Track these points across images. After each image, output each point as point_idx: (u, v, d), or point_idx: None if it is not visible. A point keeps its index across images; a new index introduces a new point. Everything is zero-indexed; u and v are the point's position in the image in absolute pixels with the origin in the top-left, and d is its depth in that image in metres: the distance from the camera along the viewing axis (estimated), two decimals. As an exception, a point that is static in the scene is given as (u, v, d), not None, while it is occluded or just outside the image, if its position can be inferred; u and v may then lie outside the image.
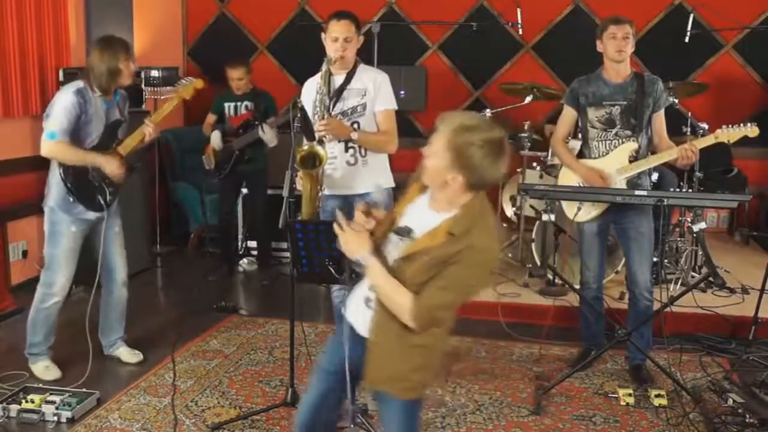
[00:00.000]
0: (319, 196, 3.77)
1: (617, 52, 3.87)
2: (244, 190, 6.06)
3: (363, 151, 3.82)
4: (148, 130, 4.06)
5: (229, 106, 5.77)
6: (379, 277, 2.28)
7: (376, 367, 2.36)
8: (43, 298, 4.01)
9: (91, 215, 3.99)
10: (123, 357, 4.27)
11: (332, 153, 3.81)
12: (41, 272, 4.07)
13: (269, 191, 5.87)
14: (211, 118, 5.87)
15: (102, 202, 3.97)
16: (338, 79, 3.82)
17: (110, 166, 3.93)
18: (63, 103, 3.82)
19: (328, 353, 2.61)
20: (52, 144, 3.82)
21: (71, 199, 3.91)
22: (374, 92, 3.79)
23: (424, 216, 2.33)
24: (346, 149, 3.82)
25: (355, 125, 3.79)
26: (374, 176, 3.86)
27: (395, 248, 2.34)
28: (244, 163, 5.66)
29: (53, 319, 4.05)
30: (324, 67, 3.76)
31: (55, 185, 3.93)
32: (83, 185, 3.93)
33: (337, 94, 3.80)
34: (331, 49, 3.76)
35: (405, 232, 2.33)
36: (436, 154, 2.23)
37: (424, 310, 2.22)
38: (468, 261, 2.20)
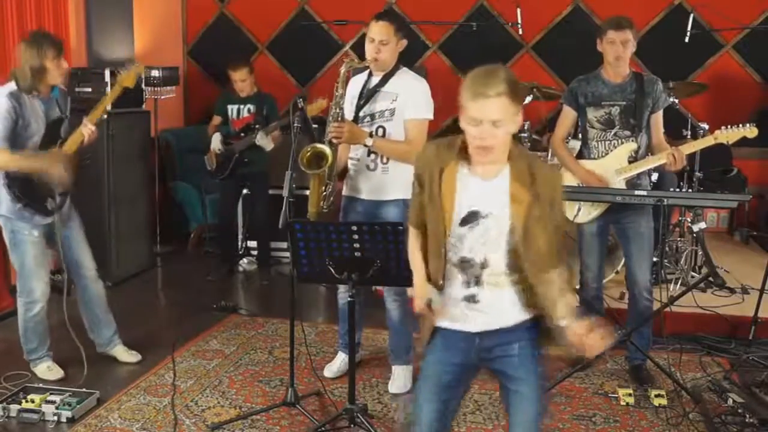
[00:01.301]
0: (324, 195, 3.76)
1: (615, 59, 3.86)
2: (245, 191, 6.07)
3: (384, 159, 3.71)
4: (86, 131, 3.83)
5: (232, 109, 5.77)
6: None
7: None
8: (27, 307, 3.94)
9: (47, 220, 3.86)
10: (120, 356, 4.25)
11: (355, 155, 3.78)
12: (17, 282, 3.99)
13: (271, 191, 5.87)
14: (216, 119, 5.87)
15: (50, 206, 3.81)
16: (374, 80, 3.76)
17: (53, 170, 3.72)
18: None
19: (436, 360, 2.42)
20: None
21: (19, 206, 3.78)
22: (405, 98, 3.67)
23: (481, 191, 2.28)
24: (368, 153, 3.74)
25: (380, 130, 3.71)
26: (394, 186, 3.69)
27: (480, 234, 2.28)
28: (244, 165, 5.67)
29: (44, 324, 4.00)
30: (342, 69, 3.72)
31: (3, 193, 3.78)
32: (30, 190, 3.77)
33: (369, 95, 3.73)
34: (367, 50, 3.69)
35: (472, 218, 2.28)
36: (503, 120, 2.17)
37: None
38: (557, 190, 2.33)
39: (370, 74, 3.79)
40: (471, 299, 2.34)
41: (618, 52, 3.84)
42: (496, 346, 2.36)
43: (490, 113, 2.15)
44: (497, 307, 2.33)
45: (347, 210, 3.87)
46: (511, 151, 2.27)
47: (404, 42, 3.77)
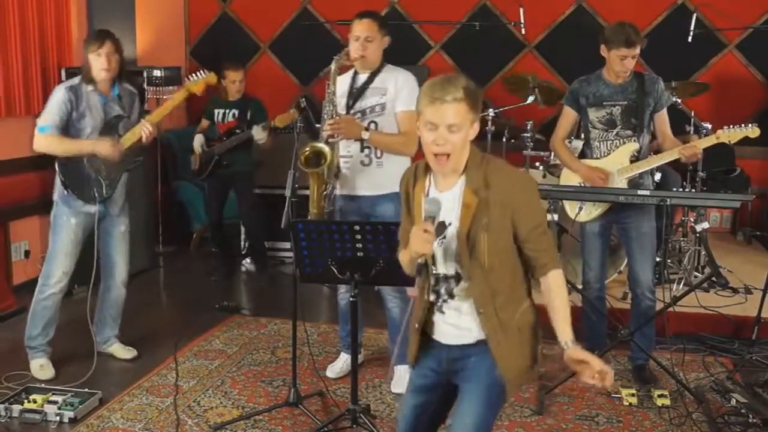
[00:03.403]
0: (325, 195, 3.76)
1: (623, 72, 3.87)
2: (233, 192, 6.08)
3: (378, 153, 3.74)
4: (144, 131, 3.95)
5: (218, 112, 5.80)
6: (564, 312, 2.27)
7: (509, 364, 2.31)
8: (41, 289, 4.05)
9: (91, 209, 3.99)
10: (117, 353, 4.28)
11: (348, 152, 3.78)
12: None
13: (258, 191, 5.96)
14: (204, 123, 5.92)
15: (95, 194, 3.97)
16: (362, 78, 3.79)
17: (101, 148, 3.90)
18: (55, 98, 3.90)
19: (416, 368, 2.50)
20: (42, 137, 3.90)
21: (65, 192, 3.95)
22: (395, 92, 3.72)
23: (444, 203, 2.27)
24: (362, 149, 3.76)
25: (372, 125, 3.73)
26: (389, 179, 3.66)
27: (447, 247, 2.29)
28: (224, 167, 5.70)
29: (51, 313, 4.05)
30: (333, 66, 3.73)
31: (57, 178, 4.00)
32: (77, 177, 3.95)
33: (359, 92, 3.77)
34: (353, 48, 3.73)
35: (441, 229, 2.27)
36: (459, 126, 2.18)
37: (556, 256, 2.34)
38: (517, 195, 2.25)
39: (356, 72, 3.81)
40: (440, 310, 2.37)
41: (627, 67, 3.85)
42: (458, 360, 2.38)
43: (447, 117, 2.18)
44: (460, 323, 2.35)
45: (344, 209, 3.86)
46: (468, 160, 2.27)
47: (387, 39, 3.82)
